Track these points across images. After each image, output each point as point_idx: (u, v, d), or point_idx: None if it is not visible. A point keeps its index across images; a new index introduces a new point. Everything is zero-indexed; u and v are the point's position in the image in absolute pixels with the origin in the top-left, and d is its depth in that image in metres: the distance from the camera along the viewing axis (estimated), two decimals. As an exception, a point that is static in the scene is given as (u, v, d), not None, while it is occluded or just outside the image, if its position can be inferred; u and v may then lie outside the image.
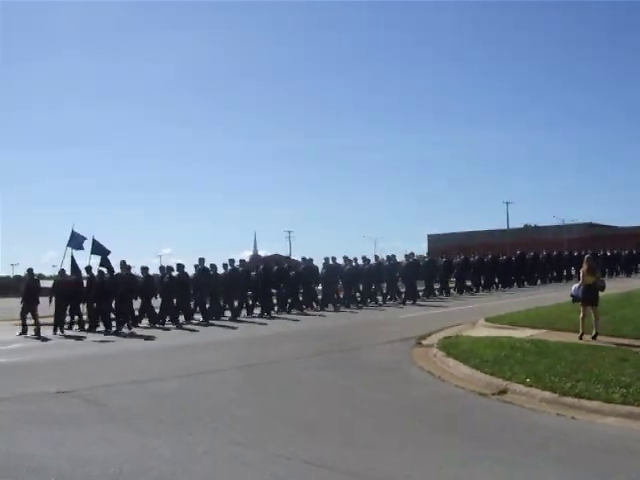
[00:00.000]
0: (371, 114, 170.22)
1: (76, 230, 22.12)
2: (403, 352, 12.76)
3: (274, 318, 21.72)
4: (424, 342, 13.76)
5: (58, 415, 8.18)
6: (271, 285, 23.89)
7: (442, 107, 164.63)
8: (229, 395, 9.27)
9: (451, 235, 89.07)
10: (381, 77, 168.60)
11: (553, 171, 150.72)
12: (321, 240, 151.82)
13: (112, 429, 7.45)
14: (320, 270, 24.94)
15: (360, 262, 25.55)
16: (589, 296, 12.54)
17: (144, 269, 21.70)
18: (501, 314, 16.37)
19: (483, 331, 14.21)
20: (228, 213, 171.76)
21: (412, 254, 28.09)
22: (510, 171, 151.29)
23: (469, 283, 31.22)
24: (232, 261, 23.30)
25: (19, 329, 18.87)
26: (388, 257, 26.82)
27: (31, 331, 18.65)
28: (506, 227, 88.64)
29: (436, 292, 28.40)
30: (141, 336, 17.50)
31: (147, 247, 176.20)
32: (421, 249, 70.78)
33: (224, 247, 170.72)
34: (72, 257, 21.71)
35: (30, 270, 20.06)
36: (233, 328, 19.10)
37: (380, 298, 25.75)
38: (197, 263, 22.47)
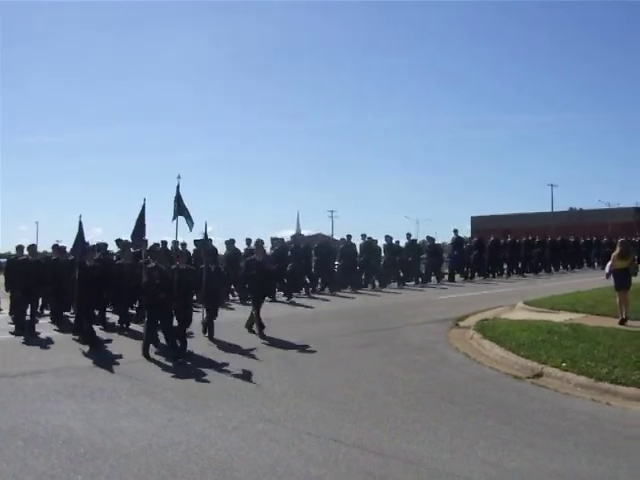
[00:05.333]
0: (416, 95, 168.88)
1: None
2: (440, 333, 12.71)
3: (312, 298, 21.42)
4: (461, 323, 13.67)
5: (92, 388, 8.32)
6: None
7: (489, 90, 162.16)
8: (263, 372, 9.29)
9: (494, 217, 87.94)
10: (426, 58, 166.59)
11: (601, 154, 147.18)
12: (364, 221, 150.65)
13: (144, 403, 7.57)
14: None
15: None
16: (620, 280, 12.45)
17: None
18: (540, 297, 16.19)
19: (521, 314, 14.08)
20: (271, 192, 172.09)
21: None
22: (556, 154, 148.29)
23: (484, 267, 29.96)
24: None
25: None
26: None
27: None
28: (551, 210, 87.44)
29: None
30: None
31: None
32: (465, 231, 69.97)
33: (266, 226, 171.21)
34: None
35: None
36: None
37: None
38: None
